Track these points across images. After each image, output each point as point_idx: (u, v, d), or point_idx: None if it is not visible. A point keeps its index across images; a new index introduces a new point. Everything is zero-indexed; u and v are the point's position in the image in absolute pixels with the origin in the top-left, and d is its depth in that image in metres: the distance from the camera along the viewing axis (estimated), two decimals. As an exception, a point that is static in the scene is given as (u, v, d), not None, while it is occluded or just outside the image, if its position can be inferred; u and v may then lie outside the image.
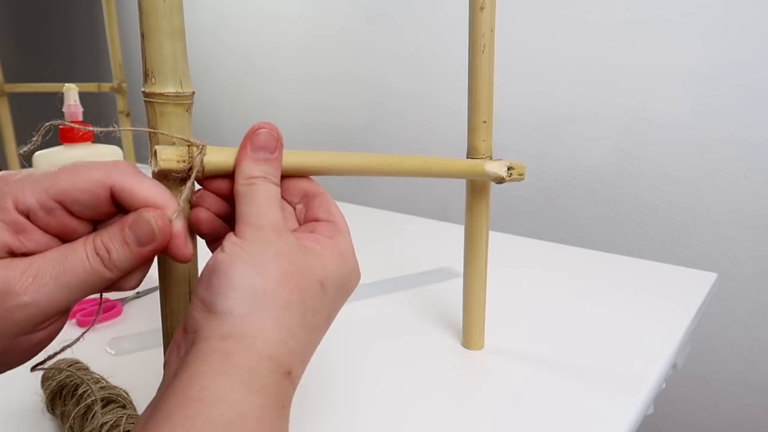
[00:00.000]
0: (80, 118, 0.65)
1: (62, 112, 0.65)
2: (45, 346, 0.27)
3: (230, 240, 0.28)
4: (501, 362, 0.50)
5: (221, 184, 0.31)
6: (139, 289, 0.64)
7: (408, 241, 0.85)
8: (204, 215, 0.31)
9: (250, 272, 0.27)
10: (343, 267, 0.30)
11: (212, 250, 0.32)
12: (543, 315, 0.60)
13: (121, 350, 0.51)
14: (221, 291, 0.26)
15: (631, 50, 1.06)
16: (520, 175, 0.46)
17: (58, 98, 0.66)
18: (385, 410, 0.43)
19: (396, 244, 0.83)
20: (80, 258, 0.25)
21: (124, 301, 0.61)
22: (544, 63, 1.17)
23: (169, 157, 0.29)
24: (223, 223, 0.32)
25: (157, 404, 0.24)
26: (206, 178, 0.31)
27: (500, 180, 0.45)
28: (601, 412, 0.43)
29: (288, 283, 0.27)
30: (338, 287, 0.30)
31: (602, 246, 1.12)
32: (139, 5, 0.28)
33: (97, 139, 0.65)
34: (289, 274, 0.27)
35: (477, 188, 0.48)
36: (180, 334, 0.29)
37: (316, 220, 0.32)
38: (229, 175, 0.31)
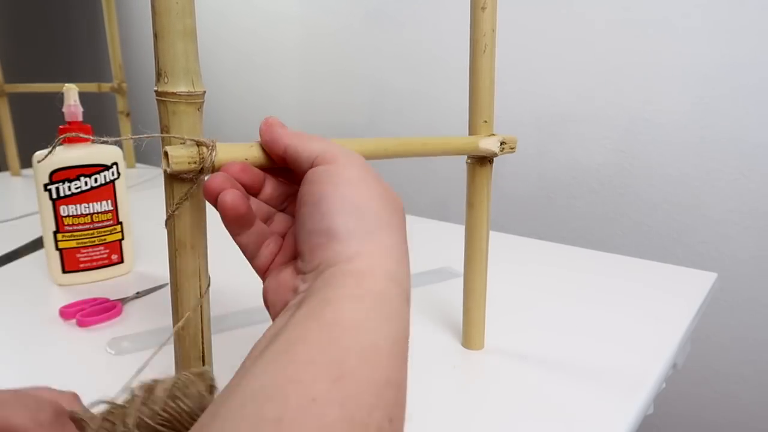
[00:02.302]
0: (80, 119, 0.65)
1: (62, 112, 0.65)
2: None
3: (322, 169, 0.28)
4: (501, 362, 0.50)
5: (234, 167, 0.31)
6: (139, 289, 0.64)
7: (408, 241, 0.85)
8: (231, 197, 0.29)
9: (358, 193, 0.26)
10: None
11: (236, 233, 0.31)
12: (543, 315, 0.60)
13: (121, 350, 0.51)
14: (338, 214, 0.26)
15: (631, 50, 1.06)
16: (511, 148, 0.47)
17: (58, 98, 0.66)
18: (385, 410, 0.43)
19: (396, 244, 0.83)
20: None
21: (123, 301, 0.61)
22: (544, 63, 1.17)
23: (181, 159, 0.29)
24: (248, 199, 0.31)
25: (282, 329, 0.23)
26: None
27: (493, 154, 0.46)
28: (601, 412, 0.43)
29: (388, 204, 0.27)
30: None
31: (602, 246, 1.12)
32: (152, 6, 0.29)
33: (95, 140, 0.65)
34: (386, 197, 0.28)
35: (478, 187, 0.48)
36: (290, 277, 0.28)
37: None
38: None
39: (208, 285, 0.35)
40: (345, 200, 0.26)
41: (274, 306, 0.29)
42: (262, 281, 0.32)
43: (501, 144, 0.46)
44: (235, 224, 0.31)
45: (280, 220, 0.33)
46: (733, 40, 0.96)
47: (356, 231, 0.25)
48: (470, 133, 0.47)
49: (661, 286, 0.67)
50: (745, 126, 0.97)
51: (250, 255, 0.32)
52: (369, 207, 0.26)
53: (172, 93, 0.29)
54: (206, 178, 0.31)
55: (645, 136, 1.07)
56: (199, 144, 0.30)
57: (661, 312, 0.60)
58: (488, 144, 0.45)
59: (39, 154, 0.61)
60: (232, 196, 0.29)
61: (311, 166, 0.29)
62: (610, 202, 1.14)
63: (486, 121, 0.46)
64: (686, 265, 0.75)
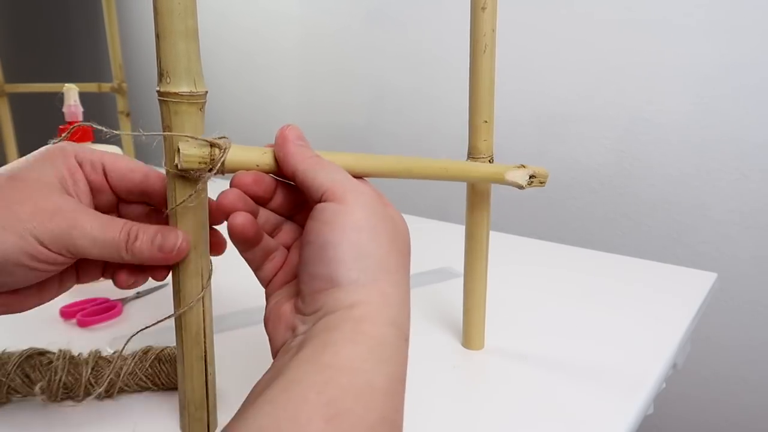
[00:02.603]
0: (80, 119, 0.65)
1: (62, 112, 0.65)
2: (50, 293, 0.32)
3: (331, 208, 0.27)
4: (501, 362, 0.50)
5: (247, 178, 0.31)
6: (139, 289, 0.64)
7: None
8: (241, 221, 0.30)
9: (364, 239, 0.26)
10: None
11: (243, 250, 0.32)
12: (543, 315, 0.60)
13: (121, 350, 0.51)
14: (342, 264, 0.26)
15: (631, 50, 1.06)
16: (541, 183, 0.45)
17: (58, 98, 0.66)
18: (385, 410, 0.43)
19: (396, 244, 0.83)
20: (115, 228, 0.29)
21: (124, 301, 0.61)
22: (544, 63, 1.17)
23: (191, 158, 0.29)
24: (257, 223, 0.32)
25: (281, 370, 0.24)
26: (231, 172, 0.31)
27: (520, 187, 0.43)
28: (601, 412, 0.43)
29: (393, 247, 0.28)
30: None
31: (602, 246, 1.12)
32: (155, 7, 0.29)
33: (96, 138, 0.65)
34: (392, 238, 0.28)
35: (478, 188, 0.48)
36: (290, 314, 0.29)
37: None
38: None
39: (210, 276, 0.34)
40: (350, 248, 0.26)
41: (273, 340, 0.30)
42: (264, 290, 0.33)
43: (530, 177, 0.43)
44: (243, 245, 0.31)
45: (288, 231, 0.34)
46: (734, 40, 0.96)
47: (359, 280, 0.26)
48: (470, 133, 0.47)
49: (661, 286, 0.67)
50: (745, 126, 0.97)
51: (255, 267, 0.33)
52: (373, 254, 0.26)
53: (174, 93, 0.30)
54: (211, 177, 0.31)
55: (645, 136, 1.07)
56: (212, 145, 0.30)
57: (661, 312, 0.60)
58: (516, 177, 0.43)
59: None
60: (242, 220, 0.30)
61: (320, 200, 0.28)
62: (610, 202, 1.14)
63: (486, 122, 0.46)
64: (686, 265, 0.75)
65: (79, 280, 0.34)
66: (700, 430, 1.11)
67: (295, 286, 0.31)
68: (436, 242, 0.85)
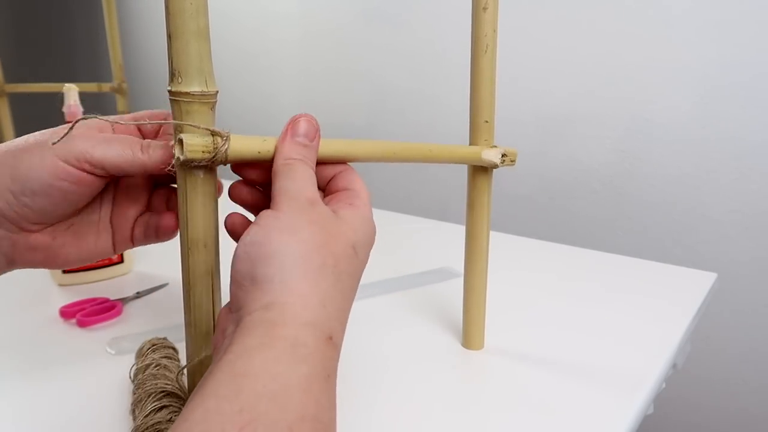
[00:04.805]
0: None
1: (62, 112, 0.65)
2: (102, 241, 0.36)
3: (264, 214, 0.29)
4: (501, 362, 0.50)
5: (250, 172, 0.34)
6: (139, 289, 0.64)
7: (408, 241, 0.85)
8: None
9: (285, 239, 0.28)
10: (368, 228, 0.32)
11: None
12: (543, 315, 0.60)
13: (121, 350, 0.51)
14: (260, 260, 0.27)
15: (631, 50, 1.06)
16: (512, 161, 0.47)
17: (58, 98, 0.66)
18: (383, 410, 0.43)
19: (396, 244, 0.83)
20: (127, 137, 0.33)
21: (124, 301, 0.61)
22: (544, 63, 1.17)
23: (195, 147, 0.29)
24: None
25: (204, 381, 0.25)
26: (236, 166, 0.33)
27: (494, 166, 0.47)
28: (601, 412, 0.43)
29: (322, 248, 0.28)
30: (366, 249, 0.31)
31: (602, 246, 1.12)
32: (166, 7, 0.29)
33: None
34: (322, 240, 0.28)
35: (478, 186, 0.48)
36: (225, 316, 0.30)
37: (337, 190, 0.34)
38: (256, 164, 0.33)
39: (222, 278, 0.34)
40: (270, 248, 0.27)
41: (213, 342, 0.31)
42: None
43: (502, 156, 0.46)
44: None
45: None
46: (734, 40, 0.96)
47: (274, 278, 0.27)
48: (471, 133, 0.47)
49: (661, 286, 0.67)
50: (745, 126, 0.97)
51: None
52: (292, 253, 0.27)
53: (186, 93, 0.30)
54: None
55: (646, 136, 1.08)
56: (213, 134, 0.30)
57: (661, 312, 0.60)
58: (491, 155, 0.46)
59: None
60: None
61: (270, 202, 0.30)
62: (611, 202, 1.14)
63: (487, 122, 0.46)
64: (686, 265, 0.75)
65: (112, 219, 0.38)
66: (700, 431, 1.11)
67: None
68: (436, 242, 0.85)
